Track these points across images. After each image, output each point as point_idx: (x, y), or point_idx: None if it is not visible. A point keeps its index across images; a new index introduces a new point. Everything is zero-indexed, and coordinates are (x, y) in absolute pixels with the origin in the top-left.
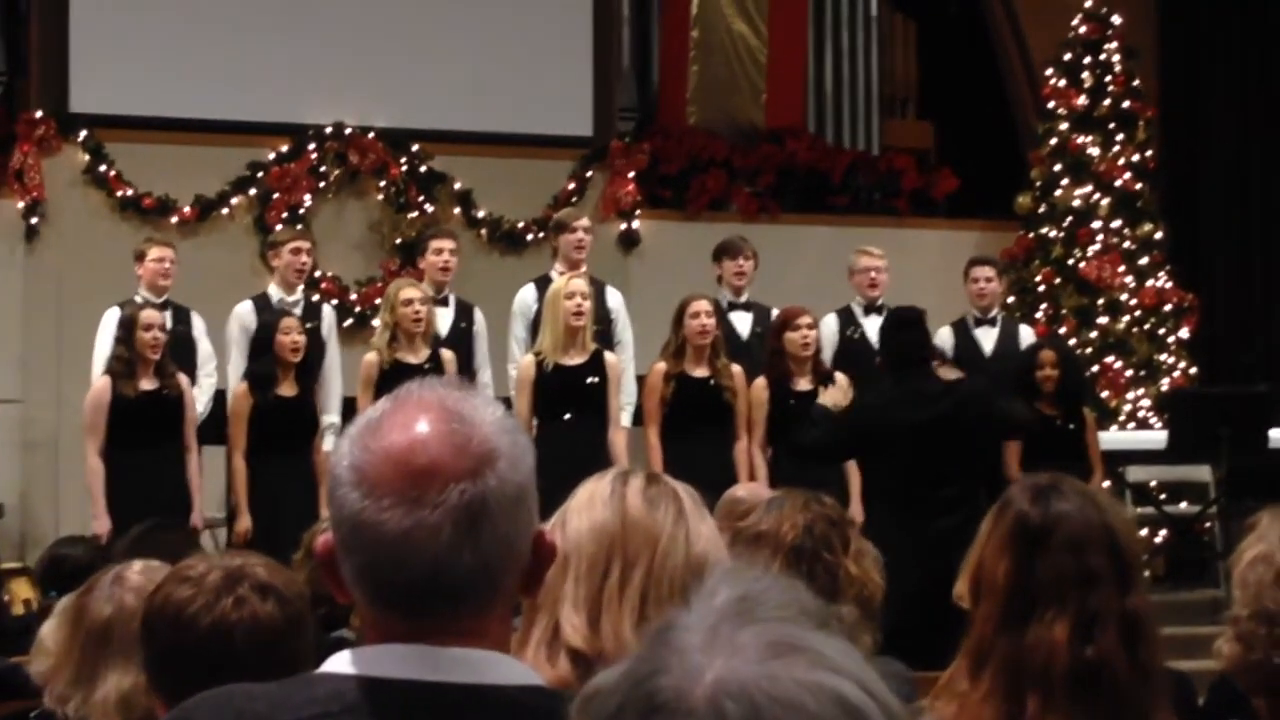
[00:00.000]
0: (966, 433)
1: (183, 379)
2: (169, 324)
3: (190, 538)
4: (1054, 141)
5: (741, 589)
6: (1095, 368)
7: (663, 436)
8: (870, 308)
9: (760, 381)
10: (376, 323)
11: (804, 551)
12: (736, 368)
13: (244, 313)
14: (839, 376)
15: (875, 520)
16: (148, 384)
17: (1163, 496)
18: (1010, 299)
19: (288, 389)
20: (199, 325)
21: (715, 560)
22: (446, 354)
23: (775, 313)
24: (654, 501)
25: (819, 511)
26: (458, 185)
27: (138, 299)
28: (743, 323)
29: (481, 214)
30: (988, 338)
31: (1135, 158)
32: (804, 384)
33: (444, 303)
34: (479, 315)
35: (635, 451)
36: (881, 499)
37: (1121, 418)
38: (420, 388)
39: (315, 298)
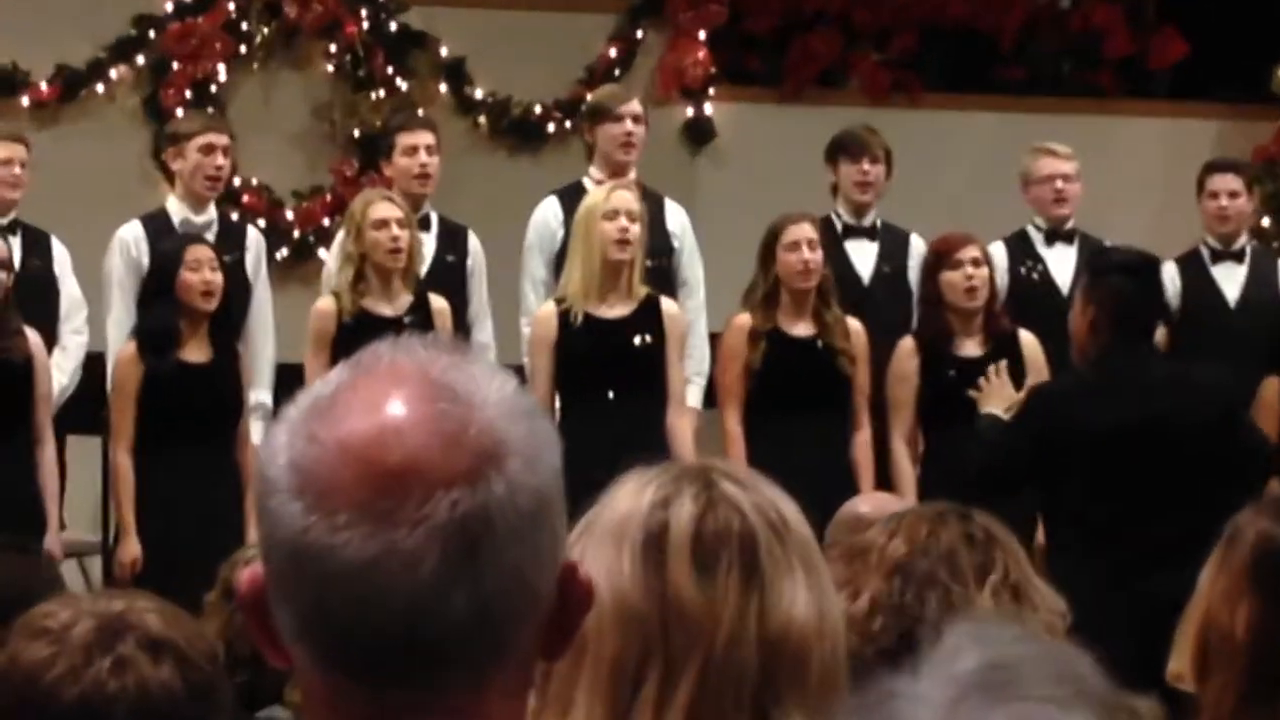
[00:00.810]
0: (1199, 443)
1: (32, 338)
2: (16, 257)
3: (45, 568)
4: None
5: (993, 652)
6: None
7: (747, 423)
8: (1055, 233)
9: (907, 344)
10: (328, 254)
11: (913, 572)
12: (855, 323)
13: (131, 239)
14: (999, 366)
15: (1060, 568)
16: None
17: None
18: (1265, 221)
19: (196, 352)
20: (62, 258)
21: (808, 625)
22: (438, 301)
23: (916, 241)
24: (708, 565)
25: (957, 528)
26: (444, 50)
27: None
28: (865, 255)
29: (480, 93)
30: (1232, 279)
31: None
32: (971, 348)
33: (423, 225)
34: (474, 243)
35: (709, 443)
36: (1070, 538)
37: None
38: (393, 351)
39: (236, 217)
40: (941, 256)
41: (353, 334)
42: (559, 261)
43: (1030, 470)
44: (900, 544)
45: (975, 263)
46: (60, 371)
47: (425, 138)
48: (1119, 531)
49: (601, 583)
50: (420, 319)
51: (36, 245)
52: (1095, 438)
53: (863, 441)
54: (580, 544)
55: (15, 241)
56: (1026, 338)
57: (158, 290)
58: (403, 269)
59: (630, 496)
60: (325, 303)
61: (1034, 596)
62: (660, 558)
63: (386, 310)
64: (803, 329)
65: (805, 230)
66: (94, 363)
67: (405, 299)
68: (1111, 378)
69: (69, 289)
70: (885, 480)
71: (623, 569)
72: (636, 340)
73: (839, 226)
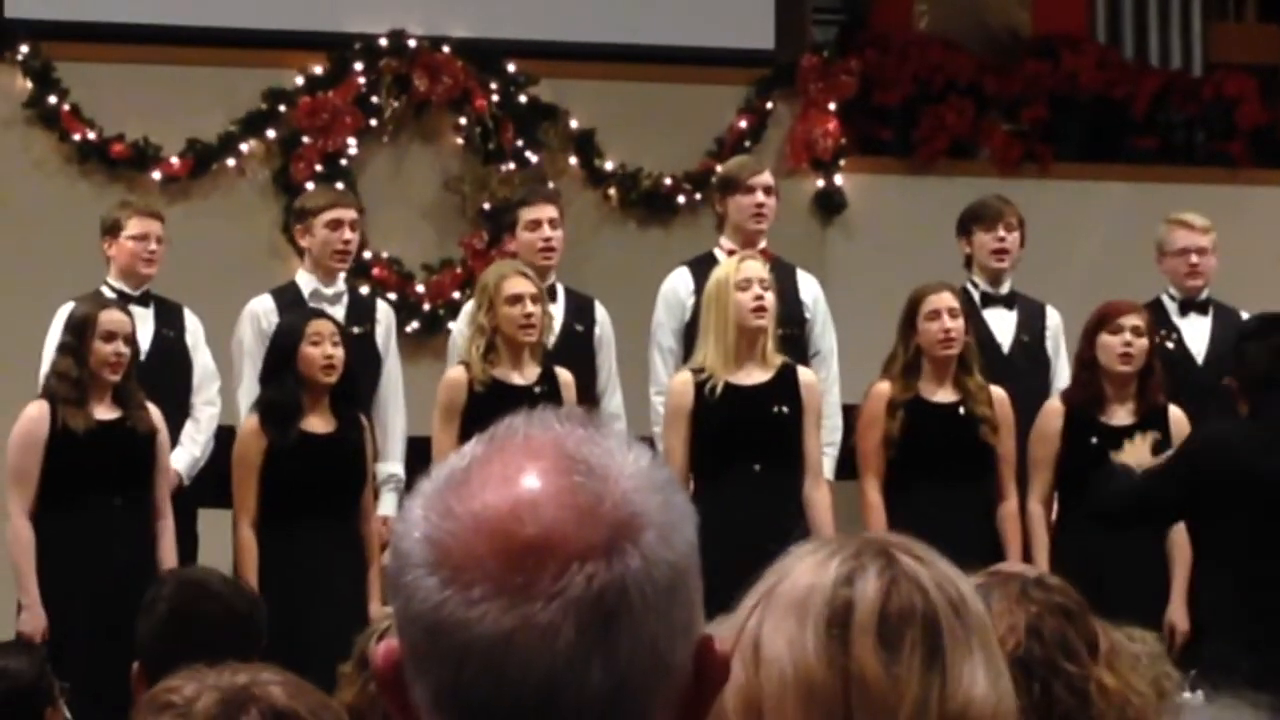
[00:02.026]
0: None
1: (153, 411)
2: (149, 329)
3: (254, 612)
4: None
5: None
6: None
7: (887, 492)
8: (1189, 303)
9: (1054, 406)
10: (456, 326)
11: (1033, 664)
12: (999, 390)
13: (261, 311)
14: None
15: (1216, 619)
16: (104, 413)
17: None
18: None
19: (319, 424)
20: (195, 329)
21: (985, 709)
22: (564, 374)
23: (1052, 313)
24: (893, 643)
25: (1045, 601)
26: (574, 123)
27: (106, 291)
28: (1004, 324)
29: (610, 166)
30: None
31: None
32: (1121, 416)
33: (550, 296)
34: (601, 314)
35: (841, 514)
36: (1224, 591)
37: None
38: (528, 424)
39: (365, 290)
40: (1103, 320)
41: (484, 403)
42: (688, 332)
43: (1181, 508)
44: (1006, 634)
45: (1136, 330)
46: (193, 443)
47: (548, 211)
48: (1273, 582)
49: (784, 656)
50: (549, 390)
51: (169, 317)
52: (1254, 485)
53: (1009, 511)
54: (758, 615)
55: (148, 313)
56: (1176, 413)
57: (280, 364)
58: (534, 342)
59: (811, 571)
60: (456, 373)
61: (1124, 654)
62: (845, 634)
63: (518, 380)
64: (945, 396)
65: (946, 299)
66: (225, 435)
67: (534, 369)
68: (1263, 429)
69: (202, 361)
70: (1025, 544)
71: (806, 644)
72: (774, 409)
73: (976, 296)
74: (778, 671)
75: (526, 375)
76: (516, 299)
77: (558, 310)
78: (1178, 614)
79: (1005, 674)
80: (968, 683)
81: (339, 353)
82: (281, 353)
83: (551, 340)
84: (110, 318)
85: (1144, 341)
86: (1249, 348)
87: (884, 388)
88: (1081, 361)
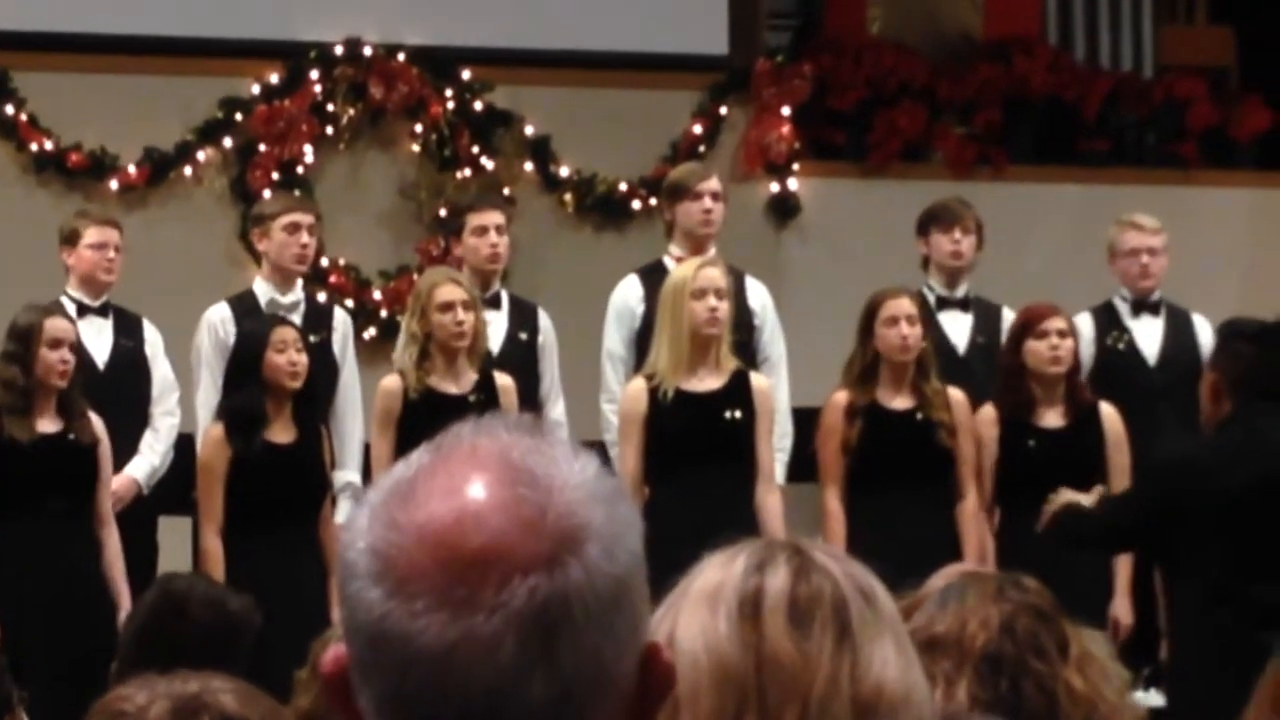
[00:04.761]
0: None
1: (96, 422)
2: (108, 339)
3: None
4: None
5: None
6: None
7: (848, 499)
8: (1141, 304)
9: (988, 412)
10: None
11: (1003, 660)
12: (957, 393)
13: (219, 320)
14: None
15: (1186, 626)
16: (48, 425)
17: None
18: None
19: (282, 433)
20: (154, 339)
21: (897, 692)
22: (503, 379)
23: (1009, 314)
24: (803, 622)
25: (1020, 601)
26: (529, 129)
27: (65, 301)
28: (959, 327)
29: (565, 171)
30: None
31: None
32: (1052, 418)
33: (493, 303)
34: (544, 321)
35: (793, 519)
36: (1198, 602)
37: None
38: (474, 433)
39: (322, 297)
40: (1027, 326)
41: (418, 412)
42: (639, 340)
43: (1152, 533)
44: (977, 630)
45: (1061, 333)
46: (152, 452)
47: (495, 218)
48: (1248, 596)
49: (697, 644)
50: (486, 397)
51: (128, 327)
52: (1219, 499)
53: (967, 510)
54: (671, 613)
55: (107, 323)
56: (1107, 410)
57: (244, 372)
58: (468, 348)
59: (722, 566)
60: (391, 381)
61: (1095, 661)
62: (756, 615)
63: (452, 389)
64: (902, 402)
65: (904, 305)
66: (184, 444)
67: (471, 377)
68: (1233, 440)
69: (161, 371)
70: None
71: (718, 629)
72: (727, 415)
73: (932, 299)
74: (691, 660)
75: (462, 384)
76: (448, 306)
77: (501, 318)
78: (1121, 608)
79: (918, 666)
80: (879, 665)
81: (303, 359)
82: (246, 360)
83: (495, 348)
84: (55, 325)
85: (1069, 343)
86: (1246, 350)
87: (841, 396)
88: (1009, 369)
